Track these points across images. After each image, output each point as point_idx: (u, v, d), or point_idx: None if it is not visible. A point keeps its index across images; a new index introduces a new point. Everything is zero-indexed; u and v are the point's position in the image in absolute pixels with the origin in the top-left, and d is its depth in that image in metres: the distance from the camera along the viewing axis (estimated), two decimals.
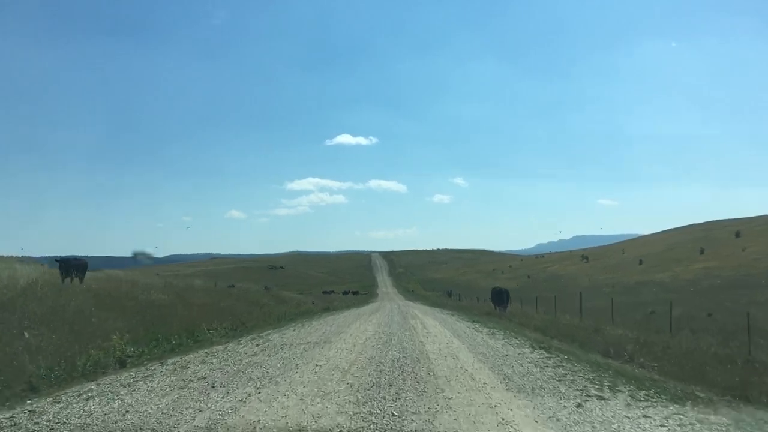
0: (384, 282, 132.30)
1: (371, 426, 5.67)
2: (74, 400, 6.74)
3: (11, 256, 23.45)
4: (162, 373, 8.64)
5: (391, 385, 7.61)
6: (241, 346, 12.26)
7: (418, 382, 7.86)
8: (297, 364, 9.42)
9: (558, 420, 5.96)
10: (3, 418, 5.98)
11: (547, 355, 11.08)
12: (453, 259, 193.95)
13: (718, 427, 5.82)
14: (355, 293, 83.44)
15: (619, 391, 7.52)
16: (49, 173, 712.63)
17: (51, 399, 6.84)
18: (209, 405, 6.45)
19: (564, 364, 9.89)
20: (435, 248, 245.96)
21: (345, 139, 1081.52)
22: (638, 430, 5.66)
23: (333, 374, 8.44)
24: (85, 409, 6.32)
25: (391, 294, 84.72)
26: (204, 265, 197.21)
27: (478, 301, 43.16)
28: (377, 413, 6.14)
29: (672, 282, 68.42)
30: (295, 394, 7.03)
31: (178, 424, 5.69)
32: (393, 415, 6.08)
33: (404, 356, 10.41)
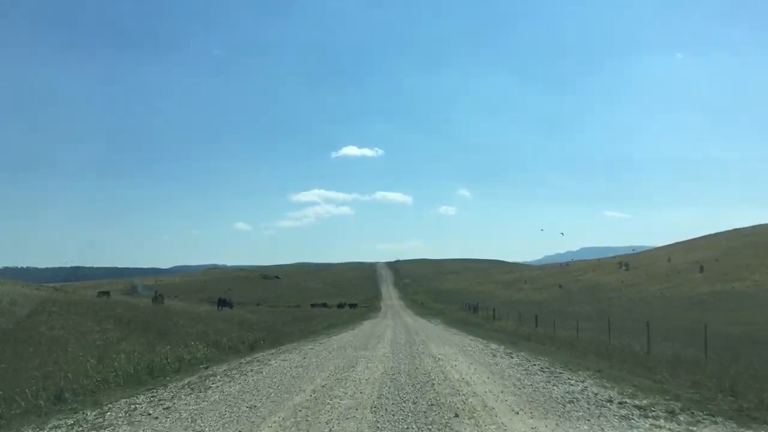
0: (389, 293, 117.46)
1: None
2: None
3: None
4: None
5: None
6: None
7: None
8: None
9: None
10: None
11: None
12: (464, 269, 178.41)
13: None
14: (353, 306, 68.75)
15: None
16: (55, 185, 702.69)
17: None
18: None
19: None
20: (444, 258, 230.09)
21: (351, 150, 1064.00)
22: None
23: None
24: None
25: (397, 308, 69.84)
26: (195, 275, 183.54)
27: (537, 324, 27.89)
28: None
29: (757, 293, 53.40)
30: None
31: None
32: None
33: None
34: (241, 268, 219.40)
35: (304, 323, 28.27)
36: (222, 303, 38.05)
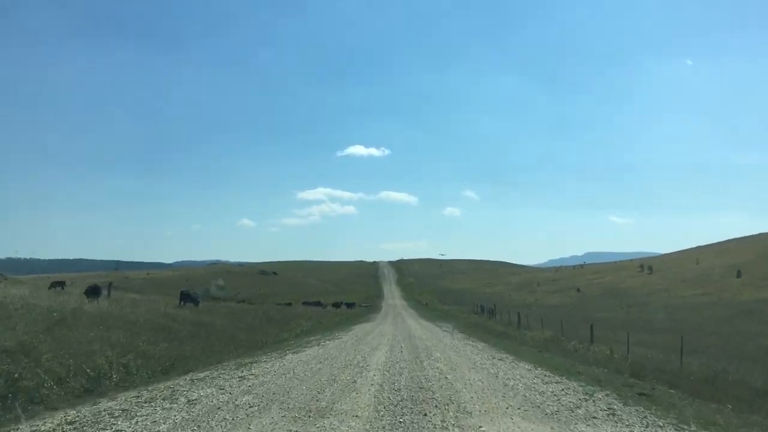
0: (391, 292, 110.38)
1: None
2: None
3: None
4: None
5: None
6: None
7: None
8: None
9: None
10: None
11: None
12: (471, 269, 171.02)
13: None
14: (350, 305, 61.64)
15: None
16: (58, 178, 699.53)
17: None
18: None
19: None
20: (450, 258, 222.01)
21: (357, 149, 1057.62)
22: None
23: None
24: None
25: (399, 308, 62.73)
26: (192, 270, 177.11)
27: (593, 340, 20.82)
28: None
29: None
30: None
31: None
32: None
33: None
34: (241, 264, 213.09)
35: (276, 327, 21.34)
36: (185, 298, 30.84)
